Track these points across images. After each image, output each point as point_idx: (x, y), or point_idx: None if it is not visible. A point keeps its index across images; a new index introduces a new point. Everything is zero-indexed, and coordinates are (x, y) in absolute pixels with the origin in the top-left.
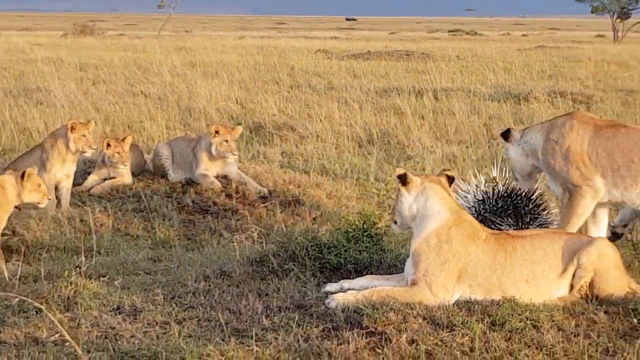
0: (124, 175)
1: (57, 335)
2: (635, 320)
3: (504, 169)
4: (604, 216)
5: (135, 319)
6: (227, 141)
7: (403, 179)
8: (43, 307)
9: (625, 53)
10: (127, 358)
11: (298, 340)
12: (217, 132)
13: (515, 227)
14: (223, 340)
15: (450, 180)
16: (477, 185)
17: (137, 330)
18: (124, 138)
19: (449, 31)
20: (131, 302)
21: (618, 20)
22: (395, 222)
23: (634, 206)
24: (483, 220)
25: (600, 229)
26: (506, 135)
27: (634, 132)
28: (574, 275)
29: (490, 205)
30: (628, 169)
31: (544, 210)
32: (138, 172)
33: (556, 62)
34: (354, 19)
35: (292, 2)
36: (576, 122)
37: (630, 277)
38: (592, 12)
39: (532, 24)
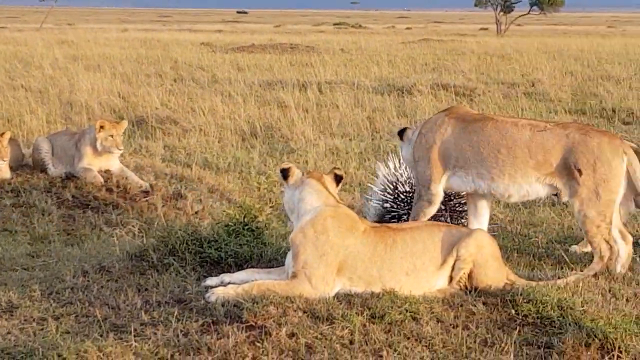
0: (2, 170)
1: None
2: (513, 311)
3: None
4: (485, 210)
5: (12, 315)
6: (112, 136)
7: (285, 173)
8: None
9: (508, 46)
10: (2, 355)
11: (177, 335)
12: (102, 126)
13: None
14: (101, 336)
15: (338, 179)
16: (384, 176)
17: (13, 327)
18: (2, 133)
19: (334, 24)
20: (7, 299)
21: (501, 13)
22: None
23: (502, 198)
24: (389, 210)
25: (482, 223)
26: (402, 134)
27: (501, 125)
28: (453, 267)
29: (395, 195)
30: (495, 161)
31: (450, 200)
32: (17, 166)
33: (440, 55)
34: (245, 12)
35: None
36: (447, 117)
37: (508, 268)
38: (475, 5)
39: (417, 17)
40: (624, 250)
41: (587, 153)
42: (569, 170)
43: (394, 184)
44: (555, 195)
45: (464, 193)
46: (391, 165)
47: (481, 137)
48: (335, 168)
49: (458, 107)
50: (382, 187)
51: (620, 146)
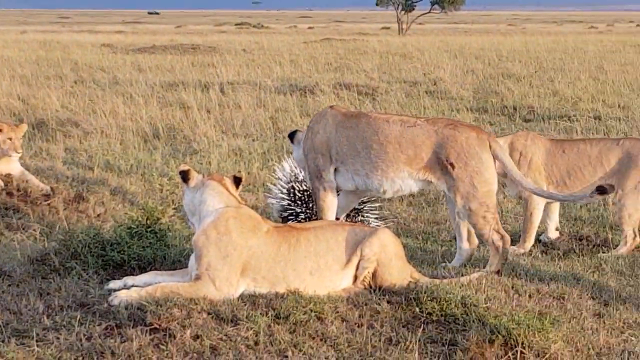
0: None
1: None
2: (417, 309)
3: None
4: (352, 204)
5: None
6: (10, 139)
7: (184, 176)
8: None
9: (410, 45)
10: None
11: (80, 340)
12: (0, 129)
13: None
14: (3, 341)
15: (238, 180)
16: (283, 176)
17: None
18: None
19: (236, 24)
20: None
21: (403, 12)
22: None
23: (377, 194)
24: (286, 208)
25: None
26: (292, 136)
27: (374, 121)
28: (357, 266)
29: (292, 194)
30: (367, 156)
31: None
32: None
33: (342, 54)
34: (157, 13)
35: None
36: (328, 111)
37: (412, 266)
38: (376, 4)
39: (319, 16)
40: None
41: (457, 147)
42: (442, 165)
43: (291, 183)
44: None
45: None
46: (287, 166)
47: (356, 132)
48: (238, 172)
49: (338, 105)
50: (281, 186)
51: (487, 140)
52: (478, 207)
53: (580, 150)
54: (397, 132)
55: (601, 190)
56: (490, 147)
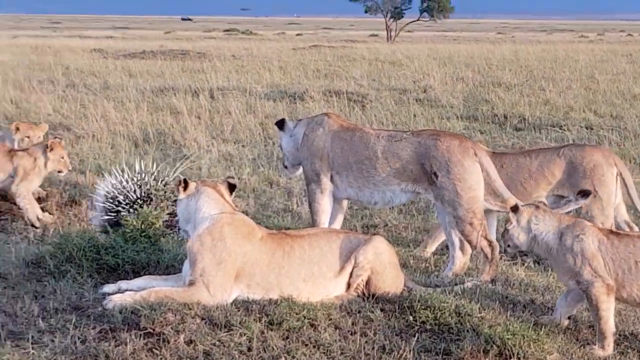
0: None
1: None
2: (411, 318)
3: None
4: (341, 213)
5: None
6: (28, 137)
7: (182, 184)
8: None
9: (399, 52)
10: None
11: (75, 342)
12: (17, 128)
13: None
14: None
15: (232, 187)
16: (122, 181)
17: None
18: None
19: (225, 30)
20: None
21: (391, 20)
22: (179, 228)
23: (368, 205)
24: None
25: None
26: (281, 124)
27: (366, 135)
28: (351, 274)
29: (128, 197)
30: (359, 170)
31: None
32: None
33: (331, 61)
34: (190, 19)
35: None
36: (325, 120)
37: (405, 274)
38: (365, 11)
39: (307, 23)
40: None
41: (439, 156)
42: (427, 175)
43: (116, 194)
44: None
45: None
46: (113, 179)
47: (350, 146)
48: (229, 177)
49: (334, 114)
50: (105, 197)
51: (471, 147)
52: (464, 214)
53: (519, 164)
54: (385, 147)
55: (584, 193)
56: (475, 154)
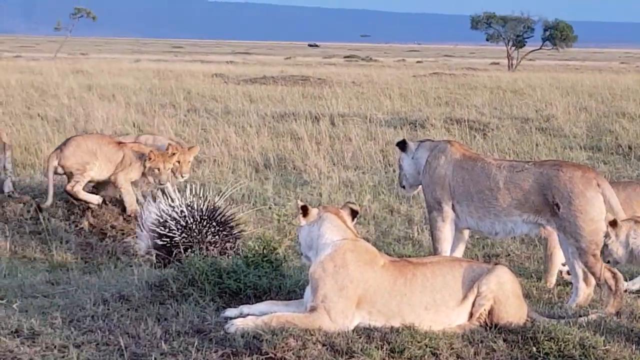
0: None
1: None
2: (534, 349)
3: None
4: (462, 243)
5: (34, 342)
6: (179, 162)
7: (303, 210)
8: None
9: (521, 81)
10: None
11: None
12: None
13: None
14: None
15: (354, 213)
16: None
17: (35, 354)
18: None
19: (345, 57)
20: (29, 326)
21: (513, 48)
22: (301, 254)
23: (489, 235)
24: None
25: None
26: (402, 145)
27: (487, 166)
28: (473, 303)
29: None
30: (480, 201)
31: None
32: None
33: (452, 89)
34: (317, 45)
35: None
36: (448, 148)
37: (528, 305)
38: (487, 39)
39: (427, 50)
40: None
41: (561, 187)
42: (549, 206)
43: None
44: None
45: None
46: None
47: (471, 176)
48: (349, 202)
49: (457, 142)
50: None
51: (594, 179)
52: (587, 246)
53: None
54: (506, 178)
55: None
56: (598, 185)
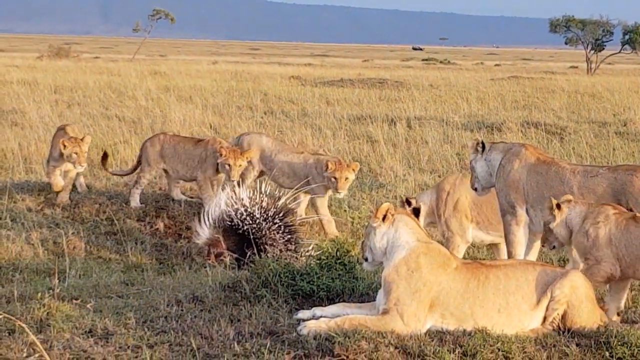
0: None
1: (31, 358)
2: (607, 354)
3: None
4: (535, 246)
5: (107, 342)
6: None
7: (385, 213)
8: (25, 326)
9: (599, 85)
10: None
11: None
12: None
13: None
14: None
15: (416, 212)
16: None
17: (109, 354)
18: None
19: (423, 60)
20: (103, 326)
21: (592, 52)
22: (366, 259)
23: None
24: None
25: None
26: (483, 146)
27: (562, 170)
28: (547, 307)
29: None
30: None
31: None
32: None
33: (529, 92)
34: (421, 49)
35: (266, 28)
36: (522, 152)
37: (601, 310)
38: (565, 43)
39: (506, 54)
40: None
41: (635, 192)
42: None
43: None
44: None
45: None
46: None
47: (545, 180)
48: (408, 198)
49: (532, 145)
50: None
51: None
52: None
53: None
54: (580, 183)
55: None
56: None
